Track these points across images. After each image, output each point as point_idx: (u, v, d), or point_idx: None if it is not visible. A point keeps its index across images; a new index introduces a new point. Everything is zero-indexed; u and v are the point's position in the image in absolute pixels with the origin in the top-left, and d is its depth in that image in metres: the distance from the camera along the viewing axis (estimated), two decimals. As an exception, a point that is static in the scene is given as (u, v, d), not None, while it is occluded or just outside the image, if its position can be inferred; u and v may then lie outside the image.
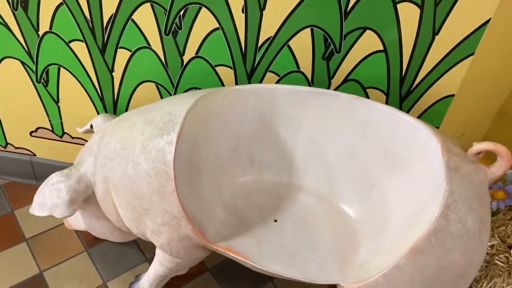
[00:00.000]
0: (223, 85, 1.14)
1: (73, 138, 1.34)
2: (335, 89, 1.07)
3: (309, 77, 1.08)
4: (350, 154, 1.02)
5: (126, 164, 0.92)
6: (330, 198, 1.06)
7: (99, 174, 0.98)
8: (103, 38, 1.09)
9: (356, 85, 1.07)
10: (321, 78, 1.07)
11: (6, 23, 1.12)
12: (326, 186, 1.07)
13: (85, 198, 1.02)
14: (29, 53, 1.17)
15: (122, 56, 1.12)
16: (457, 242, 0.78)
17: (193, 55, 1.09)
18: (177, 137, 0.88)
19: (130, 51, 1.11)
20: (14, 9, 1.08)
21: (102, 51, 1.12)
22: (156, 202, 0.90)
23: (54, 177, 1.00)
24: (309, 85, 1.09)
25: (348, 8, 0.94)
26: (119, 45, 1.10)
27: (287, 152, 1.08)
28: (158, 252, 1.04)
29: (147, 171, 0.89)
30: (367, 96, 1.08)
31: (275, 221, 1.03)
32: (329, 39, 1.00)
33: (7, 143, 1.41)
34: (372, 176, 0.99)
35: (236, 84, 1.12)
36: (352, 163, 1.02)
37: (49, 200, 0.98)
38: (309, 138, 1.05)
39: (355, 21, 0.96)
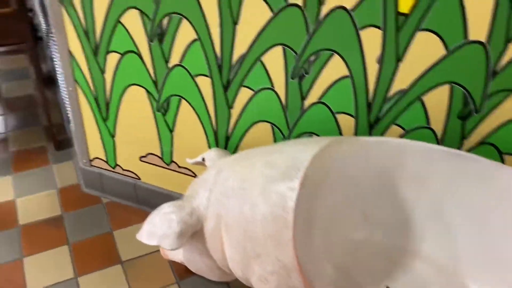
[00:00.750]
0: (340, 133, 1.10)
1: (180, 167, 1.37)
2: (468, 151, 0.99)
3: (439, 135, 1.00)
4: (482, 226, 0.91)
5: (243, 203, 0.90)
6: (451, 271, 0.96)
7: (212, 210, 0.97)
8: (229, 76, 1.11)
9: (492, 149, 0.98)
10: (453, 138, 0.99)
11: (140, 53, 1.18)
12: (447, 257, 0.97)
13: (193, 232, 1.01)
14: (155, 83, 1.22)
15: (244, 94, 1.13)
16: None
17: (315, 101, 1.07)
18: (300, 183, 0.84)
19: (253, 90, 1.11)
20: (150, 40, 1.14)
21: (225, 88, 1.14)
22: (269, 248, 0.86)
23: (167, 207, 1.00)
24: (437, 143, 1.02)
25: (498, 69, 0.87)
26: (243, 84, 1.11)
27: (406, 213, 1.00)
28: (257, 299, 1.00)
29: (264, 214, 0.86)
30: (503, 163, 0.98)
31: (387, 287, 0.94)
32: (469, 98, 0.93)
33: (116, 164, 1.47)
34: (508, 255, 0.88)
35: (356, 134, 1.08)
36: (483, 236, 0.92)
37: (159, 229, 0.98)
38: (434, 200, 0.97)
39: (504, 83, 0.89)
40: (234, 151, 1.26)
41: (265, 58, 1.05)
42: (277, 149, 0.96)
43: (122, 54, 1.20)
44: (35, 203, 1.50)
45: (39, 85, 1.69)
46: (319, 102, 1.07)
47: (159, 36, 1.12)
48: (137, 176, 1.46)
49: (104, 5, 1.12)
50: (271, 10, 0.98)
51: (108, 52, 1.21)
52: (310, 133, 1.13)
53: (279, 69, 1.06)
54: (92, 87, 1.31)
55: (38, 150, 1.74)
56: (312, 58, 1.01)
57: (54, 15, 1.20)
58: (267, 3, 0.97)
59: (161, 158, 1.38)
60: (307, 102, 1.08)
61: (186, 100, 1.22)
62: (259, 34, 1.02)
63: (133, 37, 1.15)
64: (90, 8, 1.14)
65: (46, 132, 1.83)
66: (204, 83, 1.16)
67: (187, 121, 1.26)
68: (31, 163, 1.67)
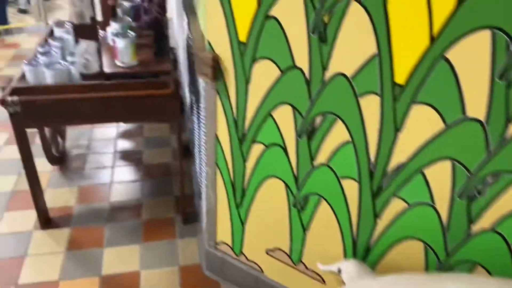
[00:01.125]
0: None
1: (307, 269, 1.26)
2: None
3: None
4: None
5: None
6: None
7: None
8: (381, 184, 1.01)
9: None
10: None
11: (286, 148, 1.14)
12: None
13: None
14: (296, 179, 1.16)
15: (396, 205, 1.01)
16: None
17: (487, 227, 0.90)
18: None
19: (408, 204, 0.98)
20: (298, 136, 1.10)
21: (375, 196, 1.03)
22: None
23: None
24: None
25: None
26: (397, 194, 0.99)
27: None
28: None
29: None
30: None
31: None
32: None
33: (241, 252, 1.41)
34: None
35: (540, 276, 0.87)
36: None
37: None
38: None
39: None
40: (374, 265, 1.11)
41: (428, 171, 0.93)
42: (440, 284, 0.80)
43: (267, 146, 1.17)
44: (157, 278, 1.50)
45: (179, 156, 1.76)
46: (492, 230, 0.89)
47: (309, 133, 1.08)
48: (261, 268, 1.38)
49: (258, 99, 1.12)
50: (444, 122, 0.86)
51: (253, 142, 1.19)
52: (474, 263, 0.95)
53: (444, 185, 0.92)
54: (231, 173, 1.30)
55: (167, 221, 1.78)
56: (490, 179, 0.86)
57: (207, 102, 1.24)
58: (440, 114, 0.86)
59: (289, 256, 1.29)
60: (475, 227, 0.91)
61: (326, 200, 1.13)
62: (426, 145, 0.91)
63: (282, 131, 1.12)
64: (244, 100, 1.15)
65: (176, 203, 1.88)
66: (350, 187, 1.07)
67: (324, 223, 1.16)
68: (159, 234, 1.70)
